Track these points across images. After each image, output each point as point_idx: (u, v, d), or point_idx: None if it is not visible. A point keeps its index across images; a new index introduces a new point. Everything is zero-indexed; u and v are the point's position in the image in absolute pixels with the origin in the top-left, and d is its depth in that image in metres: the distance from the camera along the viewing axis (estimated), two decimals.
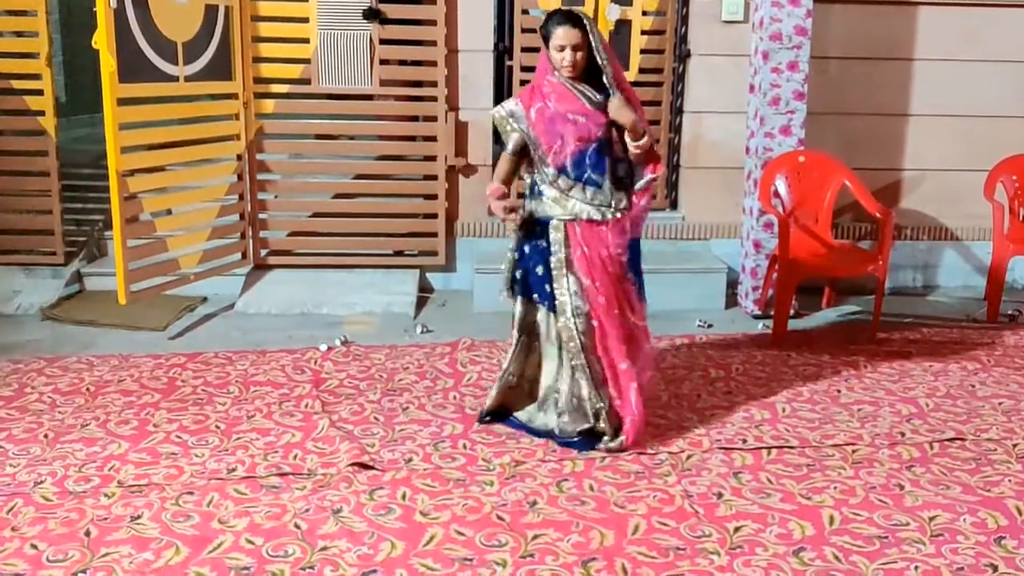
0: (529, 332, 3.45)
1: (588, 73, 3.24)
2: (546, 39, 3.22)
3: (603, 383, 3.29)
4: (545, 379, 3.46)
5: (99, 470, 3.10)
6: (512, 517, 2.83)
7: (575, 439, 3.32)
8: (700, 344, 4.53)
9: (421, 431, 3.45)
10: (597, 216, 3.22)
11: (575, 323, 3.23)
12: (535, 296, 3.37)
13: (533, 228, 3.32)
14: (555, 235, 3.24)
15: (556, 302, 3.26)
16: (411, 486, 3.01)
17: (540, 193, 3.29)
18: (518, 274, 3.42)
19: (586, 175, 3.23)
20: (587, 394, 3.29)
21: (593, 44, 3.19)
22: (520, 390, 3.52)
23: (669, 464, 3.20)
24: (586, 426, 3.32)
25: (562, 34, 3.16)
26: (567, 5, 4.88)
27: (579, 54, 3.17)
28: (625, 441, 3.29)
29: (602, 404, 3.28)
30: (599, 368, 3.28)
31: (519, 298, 3.43)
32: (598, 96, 3.23)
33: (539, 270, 3.31)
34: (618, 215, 3.25)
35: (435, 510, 2.87)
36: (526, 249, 3.36)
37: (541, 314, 3.38)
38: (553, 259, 3.25)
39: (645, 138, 3.23)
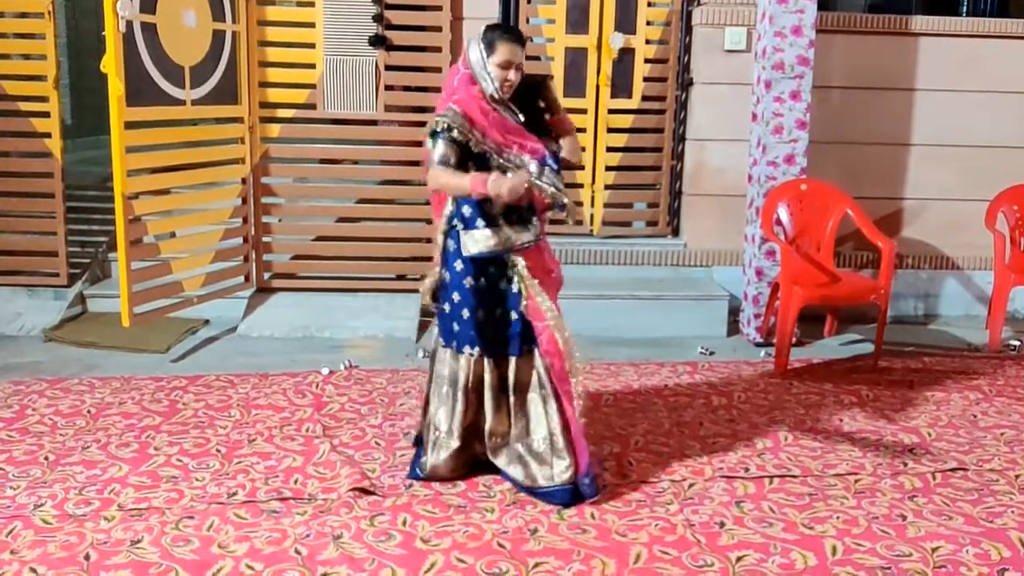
0: (478, 388, 3.16)
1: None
2: (489, 51, 2.96)
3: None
4: (536, 431, 3.15)
5: (99, 493, 3.09)
6: (513, 544, 2.82)
7: (568, 487, 3.07)
8: (702, 371, 4.53)
9: None
10: (531, 239, 3.04)
11: (571, 357, 3.04)
12: (501, 348, 3.11)
13: (486, 270, 3.08)
14: (522, 270, 3.03)
15: (540, 343, 3.04)
16: (412, 512, 3.00)
17: (487, 222, 3.01)
18: (455, 326, 3.12)
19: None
20: (559, 427, 3.09)
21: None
22: (471, 443, 3.24)
23: (671, 492, 3.19)
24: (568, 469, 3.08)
25: (510, 51, 2.95)
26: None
27: (519, 74, 3.01)
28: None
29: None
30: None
31: (462, 352, 3.13)
32: (520, 116, 3.06)
33: (513, 315, 3.08)
34: (540, 239, 3.09)
35: (436, 536, 2.85)
36: (470, 296, 3.08)
37: (492, 366, 3.12)
38: (525, 303, 3.03)
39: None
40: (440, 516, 2.98)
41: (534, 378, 3.13)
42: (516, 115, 3.07)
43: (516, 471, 3.15)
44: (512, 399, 3.16)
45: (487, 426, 3.18)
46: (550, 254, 3.18)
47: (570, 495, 3.06)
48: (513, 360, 3.13)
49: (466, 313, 3.09)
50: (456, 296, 3.11)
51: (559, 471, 3.07)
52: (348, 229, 5.44)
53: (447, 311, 3.14)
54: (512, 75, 2.99)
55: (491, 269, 3.09)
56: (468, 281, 3.09)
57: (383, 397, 4.06)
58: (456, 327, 3.12)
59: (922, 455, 3.55)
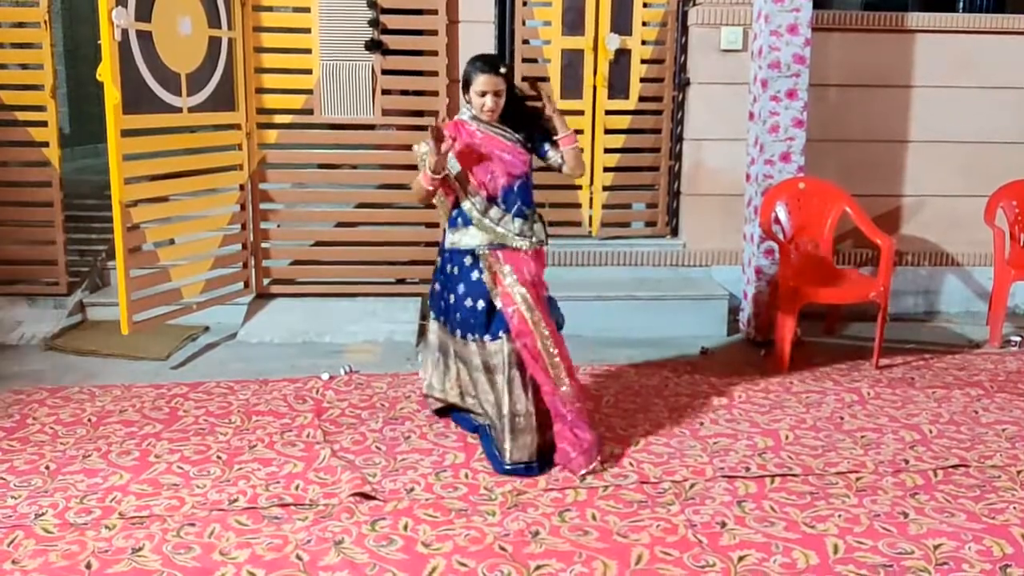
0: (446, 354, 3.62)
1: (503, 115, 3.39)
2: (466, 84, 3.35)
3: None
4: (499, 406, 3.40)
5: (100, 501, 3.09)
6: (514, 547, 2.82)
7: (534, 463, 3.33)
8: (702, 371, 4.53)
9: (423, 460, 3.44)
10: (522, 245, 3.39)
11: (542, 336, 3.31)
12: (460, 330, 3.46)
13: (460, 261, 3.45)
14: (484, 264, 3.39)
15: (511, 326, 3.32)
16: (413, 516, 3.00)
17: (467, 222, 3.42)
18: (442, 303, 3.57)
19: (516, 207, 3.41)
20: (525, 408, 3.34)
21: (517, 87, 3.39)
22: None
23: (672, 493, 3.19)
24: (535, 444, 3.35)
25: (484, 81, 3.29)
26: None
27: (500, 100, 3.32)
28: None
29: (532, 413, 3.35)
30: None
31: (436, 322, 3.64)
32: (516, 134, 3.40)
33: (479, 305, 3.39)
34: (537, 246, 3.44)
35: (437, 541, 2.85)
36: (449, 282, 3.50)
37: (467, 345, 3.45)
38: (496, 291, 3.36)
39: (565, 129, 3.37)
40: (441, 520, 2.98)
41: (500, 360, 3.35)
42: (509, 135, 3.39)
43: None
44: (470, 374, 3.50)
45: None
46: (535, 263, 3.43)
47: (518, 471, 3.31)
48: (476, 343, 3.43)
49: (437, 287, 3.60)
50: (449, 282, 3.53)
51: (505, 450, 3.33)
52: (347, 234, 5.44)
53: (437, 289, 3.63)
54: (489, 101, 3.31)
55: (466, 260, 3.44)
56: (456, 274, 3.48)
57: (383, 401, 4.06)
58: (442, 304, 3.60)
59: (923, 452, 3.55)
